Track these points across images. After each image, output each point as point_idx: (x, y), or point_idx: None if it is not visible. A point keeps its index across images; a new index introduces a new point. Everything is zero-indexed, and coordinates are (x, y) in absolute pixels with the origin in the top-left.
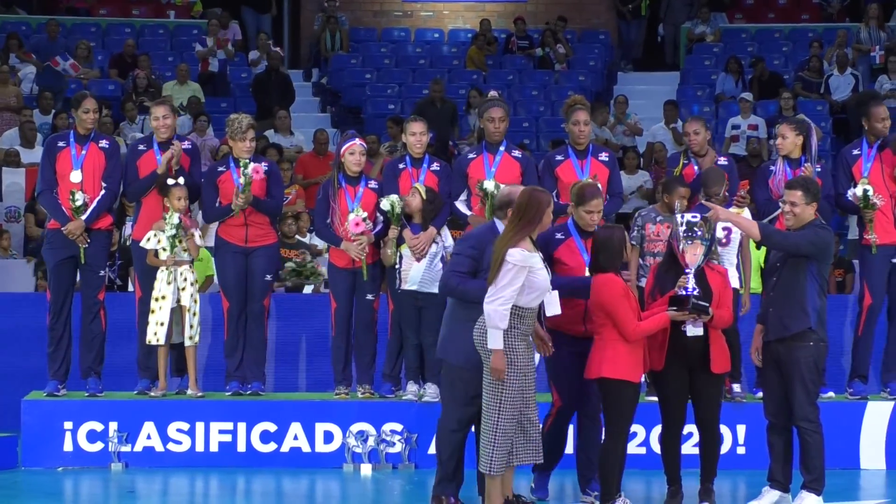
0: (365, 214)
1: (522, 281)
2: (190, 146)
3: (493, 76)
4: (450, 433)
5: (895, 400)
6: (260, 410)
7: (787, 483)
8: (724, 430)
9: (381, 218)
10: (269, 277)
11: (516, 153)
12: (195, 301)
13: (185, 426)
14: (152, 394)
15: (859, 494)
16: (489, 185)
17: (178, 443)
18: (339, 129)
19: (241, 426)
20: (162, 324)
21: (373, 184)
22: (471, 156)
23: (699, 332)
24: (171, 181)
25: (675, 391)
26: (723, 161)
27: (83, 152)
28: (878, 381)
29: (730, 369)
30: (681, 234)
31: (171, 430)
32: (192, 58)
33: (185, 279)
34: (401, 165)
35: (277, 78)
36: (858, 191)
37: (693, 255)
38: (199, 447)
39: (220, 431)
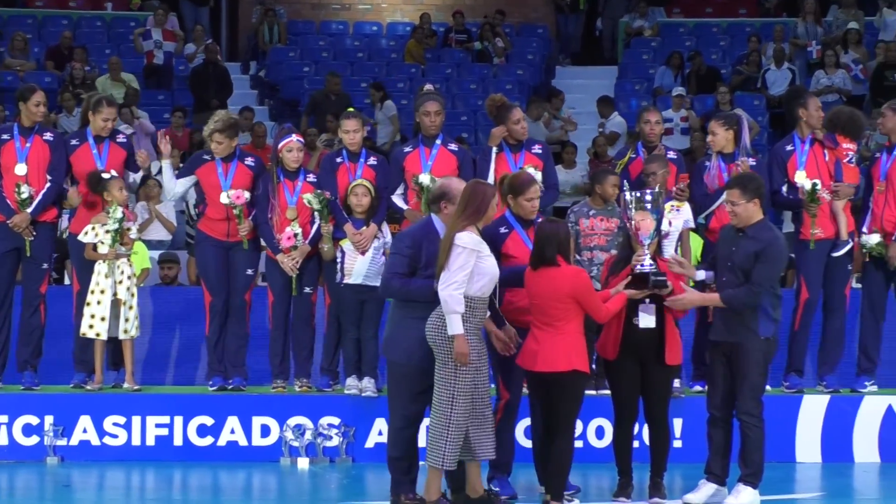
0: (299, 230)
1: (472, 265)
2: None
3: (432, 69)
4: (398, 431)
5: (831, 394)
6: (197, 404)
7: (724, 476)
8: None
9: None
10: (250, 272)
11: (452, 146)
12: (132, 295)
13: (122, 420)
14: (88, 387)
15: (795, 487)
16: (425, 178)
17: (115, 436)
18: (277, 122)
19: (178, 420)
20: (103, 318)
21: (311, 177)
22: (407, 149)
23: (651, 324)
24: (106, 175)
25: (628, 384)
26: (672, 155)
27: (28, 145)
28: (814, 374)
29: (682, 362)
30: (630, 205)
31: (108, 423)
32: (129, 50)
33: (123, 272)
34: (338, 159)
35: (215, 71)
36: (807, 184)
37: (646, 225)
38: (136, 441)
39: (157, 425)
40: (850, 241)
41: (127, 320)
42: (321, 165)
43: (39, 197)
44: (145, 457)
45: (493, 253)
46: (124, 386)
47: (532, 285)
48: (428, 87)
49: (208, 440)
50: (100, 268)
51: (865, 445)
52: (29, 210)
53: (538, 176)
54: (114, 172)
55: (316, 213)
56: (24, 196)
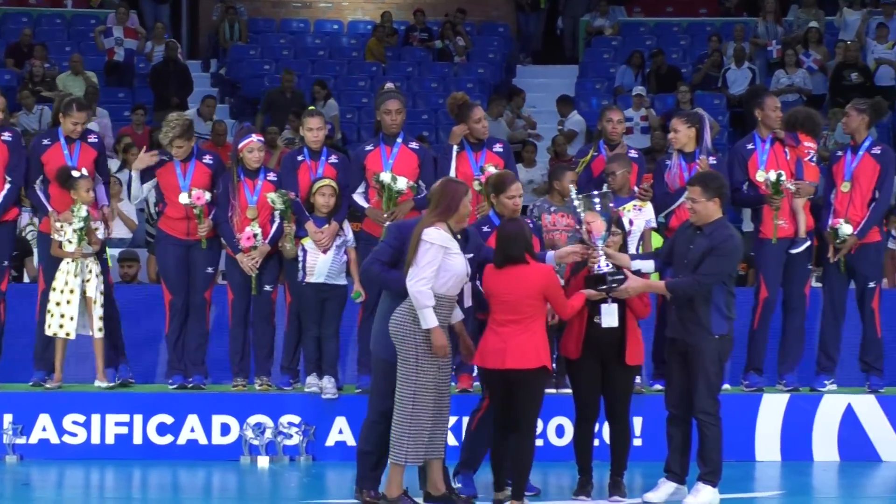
0: (259, 230)
1: (440, 261)
2: (97, 140)
3: (393, 68)
4: (371, 425)
5: (790, 392)
6: (156, 402)
7: (684, 475)
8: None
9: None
10: (210, 270)
11: (413, 145)
12: (101, 293)
13: (81, 418)
14: (48, 385)
15: (754, 486)
16: (385, 177)
17: (74, 435)
18: (238, 119)
19: (138, 418)
20: (72, 318)
21: (272, 176)
22: (368, 148)
23: (613, 323)
24: (76, 173)
25: (589, 383)
26: (633, 154)
27: None
28: (773, 373)
29: (643, 362)
30: (579, 207)
31: (67, 422)
32: (90, 47)
33: (91, 271)
34: (299, 158)
35: (176, 68)
36: (772, 176)
37: (597, 227)
38: (95, 439)
39: (117, 423)
40: (809, 239)
41: (101, 318)
42: (282, 164)
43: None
44: (105, 455)
45: (481, 260)
46: (95, 384)
47: (497, 283)
48: (389, 85)
49: (168, 439)
50: (67, 266)
51: (825, 444)
52: None
53: None
54: (84, 171)
55: (278, 213)
56: None
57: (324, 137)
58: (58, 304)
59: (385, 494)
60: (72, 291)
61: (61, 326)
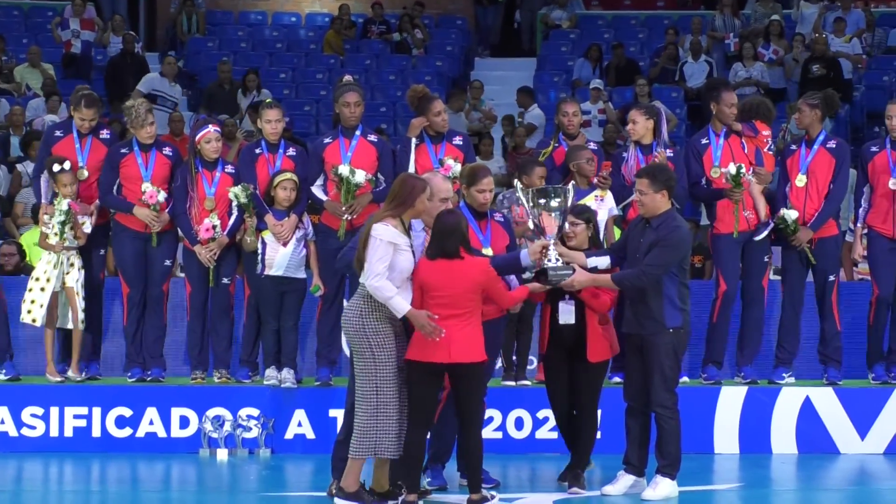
0: (218, 222)
1: (391, 256)
2: (109, 136)
3: (351, 60)
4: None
5: (749, 385)
6: (115, 395)
7: (643, 467)
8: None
9: (236, 204)
10: (168, 262)
11: (372, 137)
12: (83, 286)
13: (40, 411)
14: (2, 376)
15: (713, 478)
16: (344, 169)
17: (32, 427)
18: (195, 112)
19: (96, 411)
20: (42, 305)
21: (230, 168)
22: (327, 140)
23: (570, 320)
24: (56, 167)
25: (555, 378)
26: (592, 146)
27: None
28: (732, 366)
29: (609, 357)
30: (530, 203)
31: (25, 414)
32: (48, 39)
33: (73, 264)
34: (257, 150)
35: (133, 60)
36: (731, 168)
37: (549, 223)
38: (54, 432)
39: (75, 416)
40: (771, 222)
41: (83, 311)
42: (240, 157)
43: None
44: (63, 448)
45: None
46: (69, 375)
47: (431, 277)
48: (347, 77)
49: (127, 431)
50: (48, 257)
51: (783, 436)
52: None
53: (457, 168)
54: (66, 166)
55: (236, 207)
56: None
57: (282, 129)
58: (30, 290)
59: (342, 487)
60: (48, 280)
61: (28, 312)
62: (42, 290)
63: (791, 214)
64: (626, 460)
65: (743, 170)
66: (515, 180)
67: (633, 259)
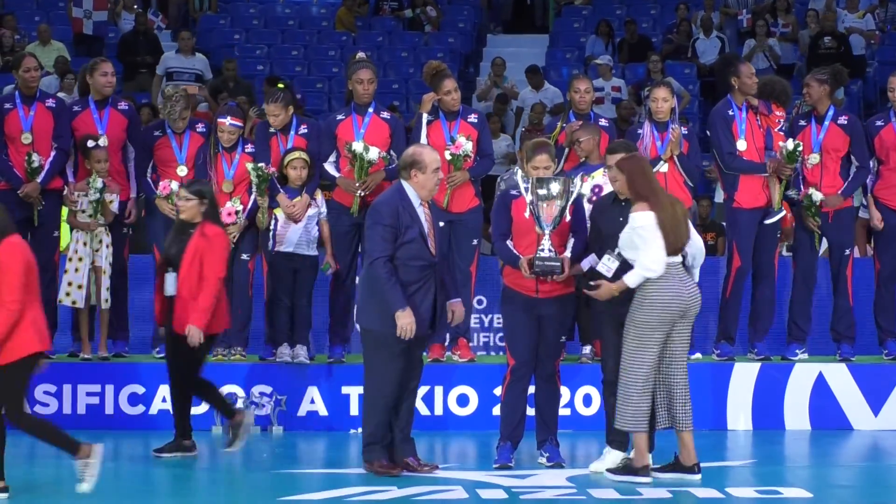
0: (240, 207)
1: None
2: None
3: (363, 37)
4: (379, 398)
5: (762, 361)
6: (128, 373)
7: (627, 442)
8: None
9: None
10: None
11: (385, 115)
12: (110, 264)
13: (53, 388)
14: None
15: (726, 455)
16: (358, 146)
17: (46, 405)
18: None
19: (109, 388)
20: (80, 286)
21: (249, 148)
22: (340, 117)
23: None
24: (90, 143)
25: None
26: (603, 122)
27: (31, 113)
28: (744, 342)
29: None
30: (533, 191)
31: (39, 392)
32: (60, 17)
33: (102, 242)
34: (270, 129)
35: (147, 38)
36: (789, 144)
37: (549, 213)
38: (67, 409)
39: (88, 394)
40: (783, 209)
41: (108, 289)
42: (255, 135)
43: (47, 166)
44: (76, 425)
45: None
46: (98, 354)
47: None
48: (360, 54)
49: (139, 409)
50: (78, 235)
51: (796, 413)
52: (39, 179)
53: (468, 146)
54: (101, 142)
55: (253, 185)
56: (35, 165)
57: (288, 117)
58: (66, 271)
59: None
60: (80, 259)
61: (68, 294)
62: (77, 270)
63: (817, 195)
64: (610, 437)
65: (801, 147)
66: (516, 166)
67: (613, 239)
